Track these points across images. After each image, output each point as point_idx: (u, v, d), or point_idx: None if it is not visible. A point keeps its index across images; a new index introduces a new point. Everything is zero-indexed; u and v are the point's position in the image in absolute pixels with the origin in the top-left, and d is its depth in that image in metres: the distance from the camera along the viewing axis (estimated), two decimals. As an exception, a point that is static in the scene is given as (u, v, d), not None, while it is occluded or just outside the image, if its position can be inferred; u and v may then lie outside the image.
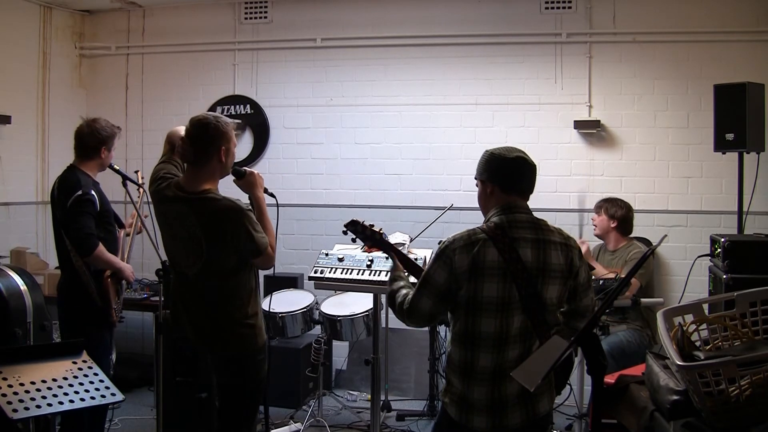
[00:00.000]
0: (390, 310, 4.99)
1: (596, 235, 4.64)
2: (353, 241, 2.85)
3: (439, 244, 2.29)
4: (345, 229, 2.80)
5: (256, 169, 3.09)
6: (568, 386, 2.49)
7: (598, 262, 4.47)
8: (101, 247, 3.50)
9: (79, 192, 3.46)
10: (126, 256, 3.80)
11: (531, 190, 2.32)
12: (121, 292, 3.77)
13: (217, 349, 2.88)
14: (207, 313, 2.84)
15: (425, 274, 2.25)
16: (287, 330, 4.46)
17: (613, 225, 4.52)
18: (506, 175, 2.28)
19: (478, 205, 2.39)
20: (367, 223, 2.78)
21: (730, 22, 4.94)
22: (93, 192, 3.53)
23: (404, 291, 2.34)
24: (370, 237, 2.74)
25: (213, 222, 2.73)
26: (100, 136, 3.62)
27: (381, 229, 2.79)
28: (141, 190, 3.84)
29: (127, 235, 3.85)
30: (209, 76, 5.88)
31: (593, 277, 3.84)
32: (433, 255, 2.26)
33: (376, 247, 2.75)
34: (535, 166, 2.32)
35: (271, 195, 3.07)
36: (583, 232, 5.02)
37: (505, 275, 2.15)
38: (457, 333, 2.23)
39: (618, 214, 4.52)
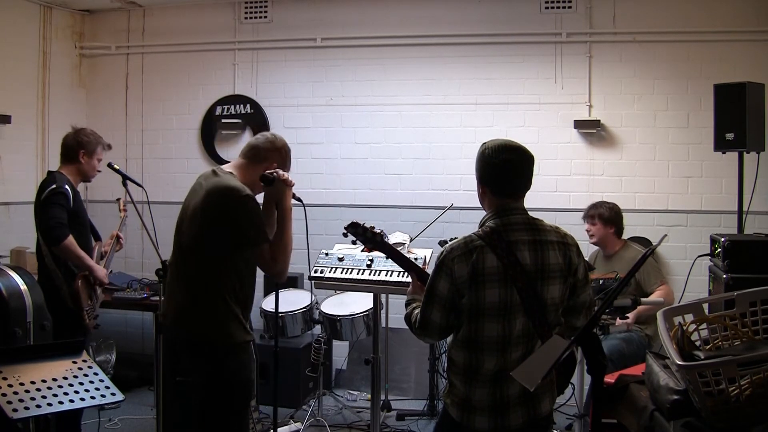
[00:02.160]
0: (390, 310, 5.03)
1: (594, 243, 4.56)
2: (353, 243, 2.83)
3: (439, 245, 2.29)
4: (345, 231, 2.79)
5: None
6: (570, 386, 2.48)
7: (597, 271, 4.41)
8: (71, 239, 3.49)
9: (53, 186, 3.51)
10: (103, 266, 3.79)
11: (526, 189, 2.28)
12: (96, 296, 3.76)
13: (192, 329, 2.75)
14: (190, 286, 2.75)
15: (429, 287, 2.23)
16: (287, 330, 4.47)
17: (611, 231, 4.46)
18: (495, 179, 2.25)
19: (477, 205, 2.38)
20: (367, 225, 2.78)
21: (730, 22, 4.94)
22: (67, 187, 3.56)
23: (417, 311, 2.32)
24: (370, 239, 2.73)
25: (215, 196, 2.72)
26: (81, 140, 3.67)
27: (382, 231, 2.79)
28: (123, 209, 3.90)
29: (102, 256, 3.83)
30: (209, 76, 5.88)
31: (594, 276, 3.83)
32: (434, 267, 2.24)
33: (377, 250, 2.74)
34: (529, 160, 2.25)
35: (299, 200, 2.99)
36: (583, 232, 5.01)
37: (505, 280, 2.14)
38: (460, 339, 2.22)
39: (611, 218, 4.45)
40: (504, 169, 2.23)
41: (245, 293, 2.82)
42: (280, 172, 2.85)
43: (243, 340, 2.77)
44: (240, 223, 2.70)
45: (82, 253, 3.59)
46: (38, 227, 3.55)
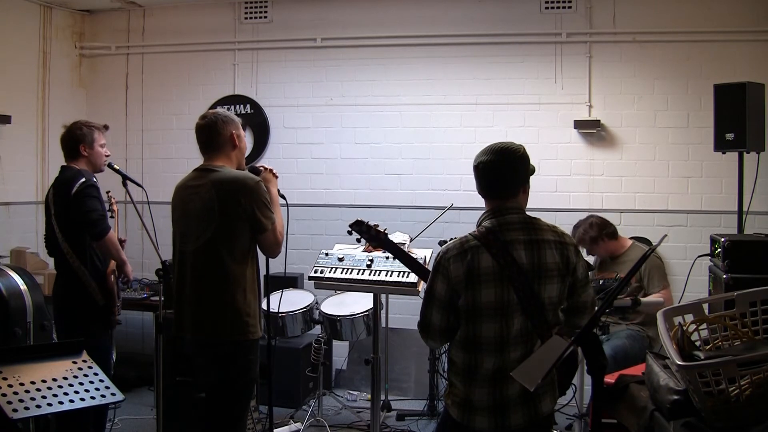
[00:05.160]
0: (390, 310, 5.03)
1: (604, 257, 4.49)
2: (358, 240, 2.88)
3: (439, 245, 2.29)
4: (350, 229, 2.83)
5: None
6: (571, 386, 2.48)
7: (603, 272, 4.39)
8: (113, 232, 3.48)
9: (83, 179, 3.44)
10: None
11: (509, 189, 2.25)
12: (120, 290, 3.76)
13: (209, 333, 2.85)
14: (206, 291, 2.83)
15: (427, 289, 2.25)
16: (287, 330, 4.47)
17: (605, 241, 4.37)
18: (477, 181, 2.29)
19: (477, 205, 2.38)
20: (371, 223, 2.80)
21: (730, 22, 4.94)
22: (96, 179, 3.52)
23: None
24: (374, 237, 2.76)
25: (229, 188, 2.81)
26: (75, 135, 3.59)
27: (385, 229, 2.81)
28: (114, 209, 3.86)
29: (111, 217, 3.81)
30: (209, 76, 5.88)
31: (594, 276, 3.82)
32: (432, 269, 2.25)
33: (381, 247, 2.77)
34: (509, 161, 2.23)
35: (282, 196, 3.12)
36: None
37: (502, 279, 2.14)
38: (459, 339, 2.22)
39: (595, 235, 4.33)
40: (481, 171, 2.25)
41: (260, 283, 2.97)
42: (267, 165, 3.16)
43: (258, 339, 2.93)
44: (259, 209, 2.81)
45: (119, 246, 3.56)
46: (75, 222, 3.42)
